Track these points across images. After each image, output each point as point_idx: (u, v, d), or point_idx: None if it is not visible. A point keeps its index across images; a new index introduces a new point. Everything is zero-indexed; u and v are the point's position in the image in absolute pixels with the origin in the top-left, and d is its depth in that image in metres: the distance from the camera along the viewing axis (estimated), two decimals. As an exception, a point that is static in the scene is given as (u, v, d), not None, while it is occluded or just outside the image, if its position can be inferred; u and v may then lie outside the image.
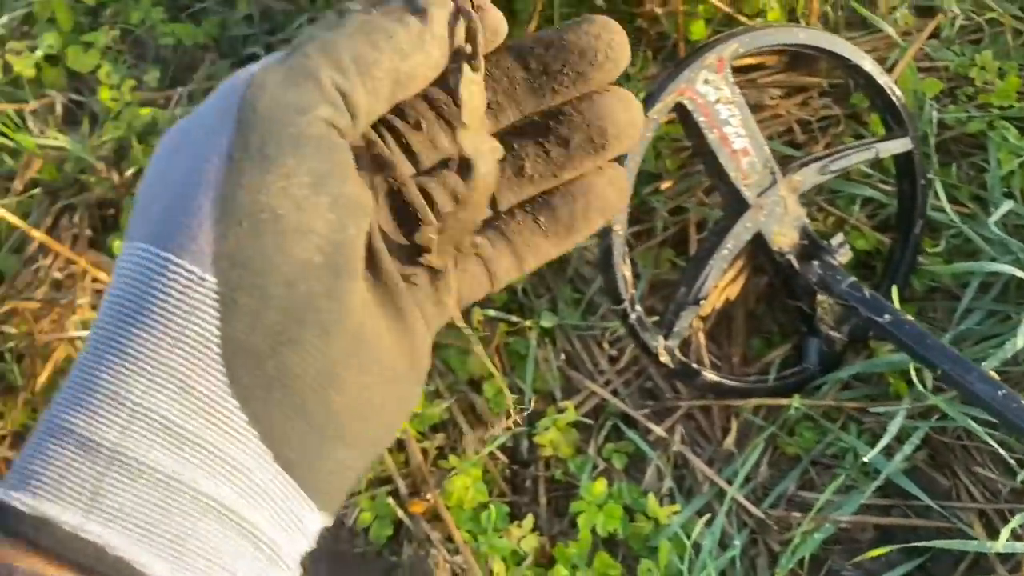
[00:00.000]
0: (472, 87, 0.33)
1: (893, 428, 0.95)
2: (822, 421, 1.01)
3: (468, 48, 0.33)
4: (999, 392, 0.87)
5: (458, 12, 0.32)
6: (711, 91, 0.93)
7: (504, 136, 0.36)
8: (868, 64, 0.99)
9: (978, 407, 0.90)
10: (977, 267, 1.01)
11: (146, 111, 1.30)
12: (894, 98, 1.01)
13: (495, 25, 0.34)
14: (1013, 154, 1.08)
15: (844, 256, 1.01)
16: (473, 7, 0.33)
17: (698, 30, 1.17)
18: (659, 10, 1.19)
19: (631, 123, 0.36)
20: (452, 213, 0.34)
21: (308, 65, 0.29)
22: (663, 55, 1.23)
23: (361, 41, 0.30)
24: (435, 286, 0.34)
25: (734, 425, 1.03)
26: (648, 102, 0.92)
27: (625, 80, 1.22)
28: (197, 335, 0.28)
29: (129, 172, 1.26)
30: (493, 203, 0.36)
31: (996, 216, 1.03)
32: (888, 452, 0.95)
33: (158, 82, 1.40)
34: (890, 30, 1.17)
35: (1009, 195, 1.07)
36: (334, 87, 0.29)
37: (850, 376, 1.03)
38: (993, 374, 0.89)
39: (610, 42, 0.35)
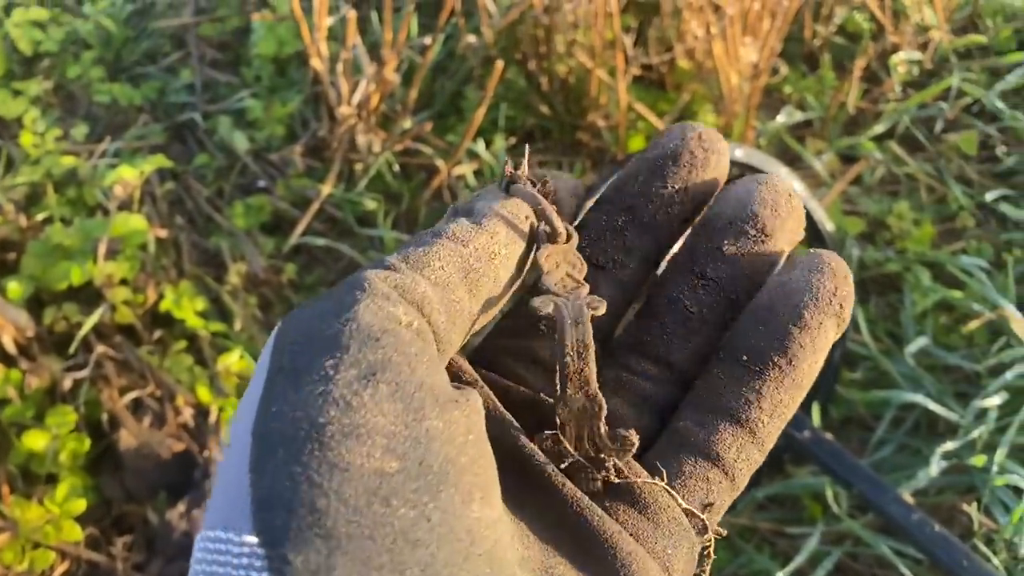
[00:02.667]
0: (553, 257, 0.29)
1: (806, 551, 0.93)
2: (736, 540, 0.98)
3: (546, 228, 0.29)
4: (913, 515, 0.86)
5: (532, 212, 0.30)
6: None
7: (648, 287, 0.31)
8: (798, 188, 1.02)
9: (892, 529, 0.89)
10: (893, 396, 1.02)
11: (68, 160, 1.25)
12: (821, 225, 1.04)
13: (572, 188, 0.31)
14: (927, 296, 1.12)
15: (766, 372, 1.01)
16: (537, 184, 0.30)
17: (636, 144, 1.20)
18: (601, 123, 1.22)
19: (783, 196, 0.30)
20: (562, 395, 0.27)
21: (356, 275, 0.25)
22: (601, 169, 1.26)
23: (423, 247, 0.27)
24: (642, 505, 0.27)
25: (646, 537, 0.99)
26: (587, 194, 0.92)
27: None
28: None
29: (39, 217, 1.19)
30: (668, 367, 0.30)
31: (912, 349, 1.05)
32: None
33: (85, 137, 1.36)
34: (818, 166, 1.22)
35: (921, 334, 1.10)
36: (384, 283, 0.25)
37: (765, 496, 1.01)
38: (909, 497, 0.88)
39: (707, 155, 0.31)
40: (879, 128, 1.28)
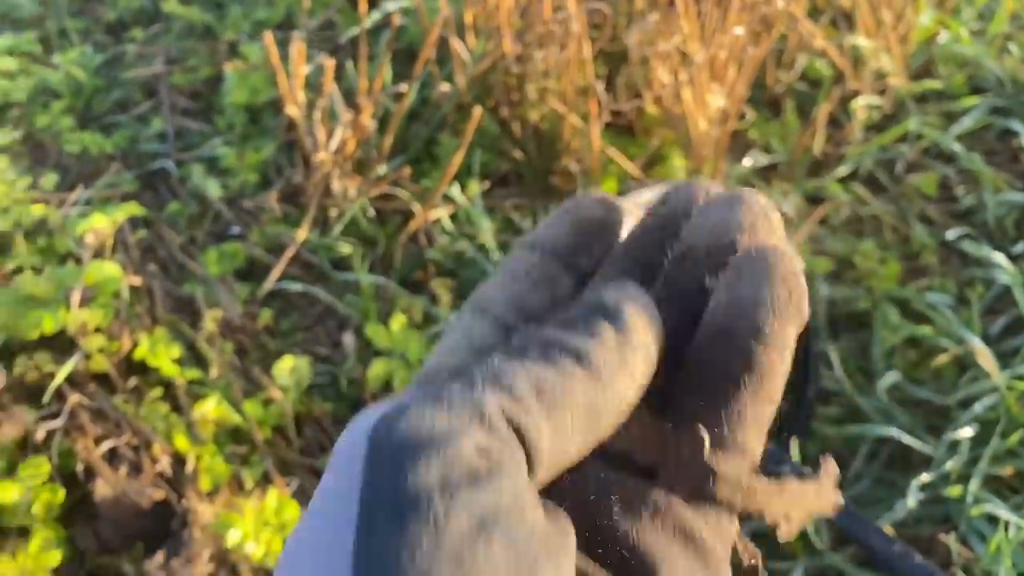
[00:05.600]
0: None
1: (790, 586, 0.93)
2: (718, 577, 0.99)
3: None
4: (894, 547, 0.87)
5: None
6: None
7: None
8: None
9: (874, 561, 0.90)
10: (867, 430, 1.04)
11: (38, 208, 1.24)
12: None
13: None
14: (895, 332, 1.14)
15: (744, 408, 1.02)
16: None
17: (609, 188, 1.22)
18: (574, 167, 1.24)
19: (755, 213, 0.28)
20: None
21: (466, 389, 0.22)
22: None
23: (543, 365, 0.23)
24: None
25: None
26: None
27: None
28: None
29: (9, 267, 1.18)
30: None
31: (884, 384, 1.07)
32: (785, 611, 0.93)
33: (55, 186, 1.35)
34: (785, 208, 1.25)
35: (891, 369, 1.13)
36: (503, 416, 0.22)
37: (748, 532, 1.02)
38: (888, 528, 0.90)
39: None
40: (843, 170, 1.32)
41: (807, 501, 0.27)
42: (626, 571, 0.24)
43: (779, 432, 1.06)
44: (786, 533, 0.27)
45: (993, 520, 0.95)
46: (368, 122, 1.14)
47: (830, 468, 0.27)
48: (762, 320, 0.26)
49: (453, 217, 1.25)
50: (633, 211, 0.32)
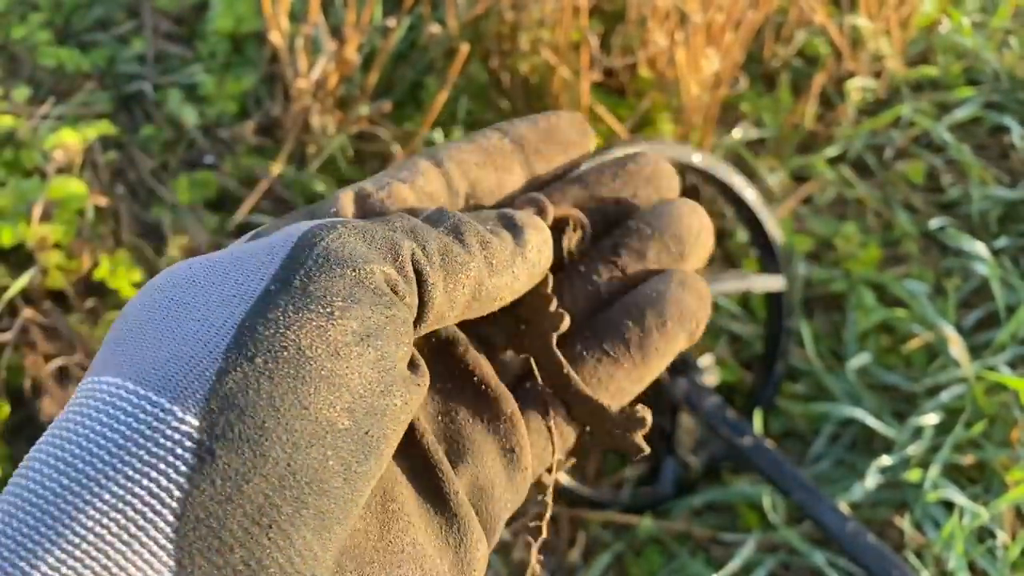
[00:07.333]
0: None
1: (740, 558, 0.93)
2: (671, 545, 0.98)
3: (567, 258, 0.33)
4: (848, 525, 0.86)
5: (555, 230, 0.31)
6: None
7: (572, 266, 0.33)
8: (752, 197, 1.03)
9: (827, 539, 0.89)
10: (833, 410, 1.03)
11: (6, 119, 1.20)
12: (772, 235, 1.05)
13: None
14: (869, 316, 1.13)
15: (711, 378, 1.01)
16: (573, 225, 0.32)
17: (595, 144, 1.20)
18: (561, 123, 1.21)
19: (705, 229, 0.33)
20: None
21: (390, 230, 0.25)
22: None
23: (452, 238, 0.26)
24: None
25: (581, 538, 0.98)
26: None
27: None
28: (149, 496, 0.20)
29: (-29, 175, 1.14)
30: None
31: (854, 366, 1.06)
32: (734, 582, 0.92)
33: (27, 99, 1.31)
34: (771, 183, 1.23)
35: (863, 351, 1.12)
36: (412, 261, 0.25)
37: (703, 503, 1.01)
38: (845, 507, 0.89)
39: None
40: (831, 151, 1.30)
41: (610, 428, 0.30)
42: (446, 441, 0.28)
43: (746, 403, 1.05)
44: (564, 446, 0.31)
45: (949, 507, 0.95)
46: (353, 56, 1.10)
47: (641, 414, 0.31)
48: (668, 315, 0.31)
49: (433, 164, 1.22)
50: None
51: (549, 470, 0.31)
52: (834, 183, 1.29)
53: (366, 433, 0.22)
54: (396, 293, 0.24)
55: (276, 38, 1.12)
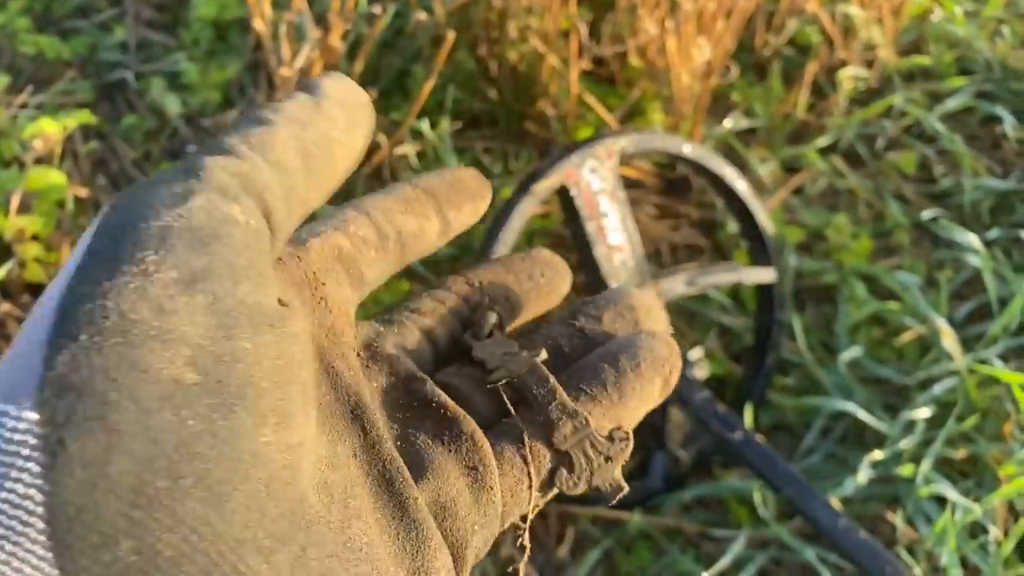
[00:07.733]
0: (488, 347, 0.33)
1: (731, 554, 0.92)
2: (661, 540, 0.97)
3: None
4: (839, 521, 0.85)
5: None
6: (596, 181, 0.92)
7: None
8: (742, 188, 1.02)
9: (818, 535, 0.88)
10: (825, 403, 1.02)
11: (-16, 108, 1.18)
12: (763, 226, 1.03)
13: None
14: (861, 308, 1.12)
15: (701, 371, 0.99)
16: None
17: (584, 134, 1.18)
18: (550, 112, 1.20)
19: (655, 302, 0.35)
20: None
21: (190, 160, 0.25)
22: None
23: (252, 126, 0.26)
24: (473, 481, 0.28)
25: (570, 533, 0.97)
26: (532, 178, 0.90)
27: (507, 175, 1.21)
28: (12, 508, 0.19)
29: (-53, 166, 1.12)
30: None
31: (845, 358, 1.05)
32: (724, 578, 0.91)
33: (6, 88, 1.28)
34: (762, 173, 1.22)
35: (854, 344, 1.11)
36: (225, 172, 0.24)
37: (692, 498, 1.00)
38: (836, 503, 0.88)
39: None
40: (823, 141, 1.28)
41: (590, 456, 0.30)
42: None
43: (736, 397, 1.03)
44: (540, 475, 0.30)
45: (941, 502, 0.94)
46: (337, 44, 1.08)
47: (626, 433, 0.31)
48: (642, 359, 0.32)
49: (421, 155, 1.20)
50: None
51: (525, 518, 0.31)
52: (825, 173, 1.27)
53: (219, 382, 0.21)
54: (234, 223, 0.23)
55: (260, 25, 1.10)
